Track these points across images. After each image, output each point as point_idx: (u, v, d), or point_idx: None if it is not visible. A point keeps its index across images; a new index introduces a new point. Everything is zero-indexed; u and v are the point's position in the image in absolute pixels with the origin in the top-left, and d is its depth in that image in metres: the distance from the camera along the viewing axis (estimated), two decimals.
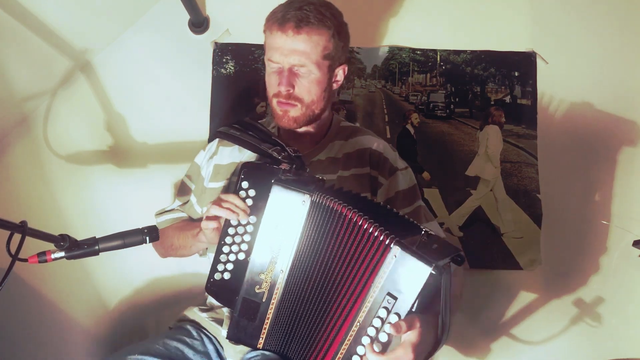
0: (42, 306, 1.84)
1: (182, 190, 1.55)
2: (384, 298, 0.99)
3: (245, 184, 1.15)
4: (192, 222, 1.48)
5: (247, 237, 1.16)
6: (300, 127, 1.39)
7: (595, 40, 1.93)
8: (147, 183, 1.83)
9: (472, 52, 1.92)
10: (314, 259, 1.09)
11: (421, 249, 1.01)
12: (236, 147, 1.44)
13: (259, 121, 1.47)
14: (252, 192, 1.15)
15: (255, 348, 1.17)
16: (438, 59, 1.93)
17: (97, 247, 1.10)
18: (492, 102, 1.92)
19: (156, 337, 1.32)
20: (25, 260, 1.02)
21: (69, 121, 1.86)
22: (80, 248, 1.09)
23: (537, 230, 1.87)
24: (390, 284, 0.99)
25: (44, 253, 1.07)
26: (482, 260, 1.86)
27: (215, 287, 1.17)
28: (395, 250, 0.99)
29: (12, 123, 1.83)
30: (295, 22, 1.27)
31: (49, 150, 1.84)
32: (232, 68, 1.88)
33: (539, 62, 1.92)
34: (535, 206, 1.87)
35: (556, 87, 1.92)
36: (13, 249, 0.98)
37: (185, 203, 1.53)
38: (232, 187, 1.23)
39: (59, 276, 1.83)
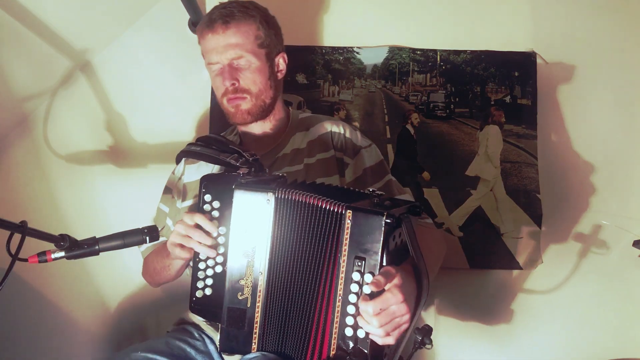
0: (42, 306, 1.84)
1: (158, 216, 1.55)
2: (353, 263, 1.00)
3: (208, 197, 1.15)
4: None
5: (220, 249, 1.15)
6: (256, 119, 1.40)
7: (595, 40, 1.93)
8: (147, 183, 1.83)
9: (472, 52, 1.92)
10: (290, 253, 1.10)
11: (374, 206, 1.03)
12: (202, 162, 1.45)
13: (221, 134, 1.50)
14: (216, 204, 1.15)
15: (249, 353, 1.17)
16: (438, 59, 1.93)
17: (97, 247, 1.10)
18: (492, 102, 1.92)
19: (158, 338, 1.32)
20: (25, 260, 1.02)
21: (69, 121, 1.86)
22: (80, 248, 1.09)
23: (537, 230, 1.87)
24: (354, 247, 1.00)
25: (44, 253, 1.07)
26: (482, 260, 1.86)
27: (199, 305, 1.17)
28: (348, 214, 1.01)
29: (12, 123, 1.83)
30: (222, 19, 1.33)
31: (49, 150, 1.85)
32: None
33: (539, 62, 1.92)
34: (535, 206, 1.87)
35: (556, 87, 1.92)
36: (13, 249, 0.98)
37: (162, 228, 1.52)
38: (196, 203, 1.23)
39: (59, 276, 1.83)
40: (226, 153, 1.32)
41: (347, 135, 1.45)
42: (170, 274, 1.36)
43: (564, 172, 1.91)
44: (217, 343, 1.33)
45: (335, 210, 1.03)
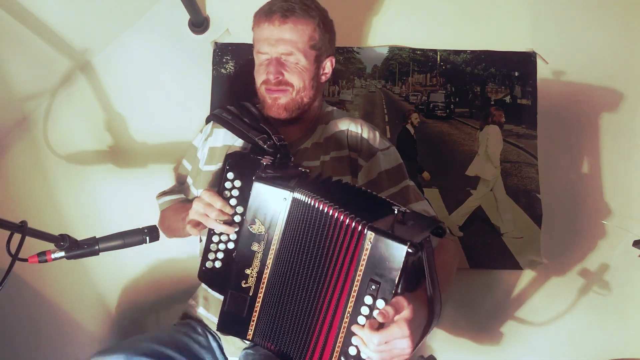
0: (42, 306, 1.84)
1: (180, 170, 1.59)
2: (367, 285, 0.99)
3: (230, 175, 1.17)
4: (186, 204, 1.48)
5: (236, 228, 1.17)
6: (290, 115, 1.40)
7: (595, 40, 1.93)
8: (147, 183, 1.83)
9: (472, 52, 1.92)
10: (297, 254, 1.10)
11: (397, 229, 1.01)
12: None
13: (255, 105, 1.49)
14: (237, 183, 1.17)
15: (245, 339, 1.18)
16: (438, 59, 1.93)
17: (97, 247, 1.10)
18: (492, 102, 1.92)
19: (163, 330, 1.34)
20: (25, 260, 1.02)
21: (69, 121, 1.86)
22: (80, 248, 1.09)
23: (537, 230, 1.87)
24: (371, 269, 0.99)
25: (44, 253, 1.07)
26: (482, 260, 1.86)
27: (207, 275, 1.21)
28: (370, 235, 0.99)
29: (12, 123, 1.83)
30: (281, 13, 1.32)
31: (49, 150, 1.84)
32: (232, 68, 1.88)
33: (539, 62, 1.92)
34: (535, 206, 1.88)
35: (556, 87, 1.92)
36: (13, 249, 0.98)
37: (182, 184, 1.56)
38: (218, 177, 1.25)
39: (59, 276, 1.83)
40: (256, 131, 1.32)
41: (364, 135, 1.44)
42: (183, 235, 1.41)
43: (564, 172, 1.91)
44: (221, 338, 1.35)
45: (355, 227, 1.02)
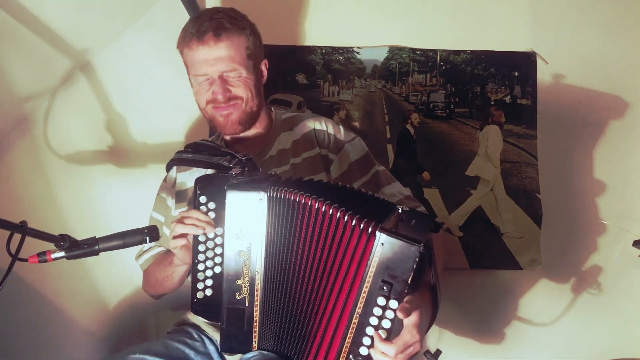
0: (42, 306, 1.84)
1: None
2: (379, 286, 1.00)
3: (203, 199, 1.16)
4: (168, 255, 1.44)
5: (218, 250, 1.16)
6: (245, 129, 1.40)
7: (596, 40, 1.93)
8: (147, 183, 1.83)
9: (472, 52, 1.92)
10: (286, 253, 1.10)
11: (402, 228, 1.03)
12: (194, 169, 1.44)
13: (207, 139, 1.49)
14: (211, 205, 1.16)
15: (250, 352, 1.17)
16: (438, 59, 1.93)
17: (97, 247, 1.10)
18: (492, 102, 1.92)
19: (156, 340, 1.32)
20: (25, 260, 1.02)
21: (69, 121, 1.86)
22: (80, 248, 1.09)
23: (537, 230, 1.87)
24: (382, 270, 0.99)
25: (44, 253, 1.07)
26: (482, 260, 1.86)
27: (200, 306, 1.18)
28: (380, 237, 0.99)
29: (12, 123, 1.83)
30: (213, 31, 1.31)
31: (49, 150, 1.84)
32: None
33: (539, 62, 1.92)
34: (535, 206, 1.87)
35: (556, 87, 1.92)
36: (13, 249, 0.98)
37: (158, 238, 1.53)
38: (192, 204, 1.24)
39: (59, 276, 1.83)
40: (218, 156, 1.32)
41: (330, 131, 1.46)
42: (173, 282, 1.36)
43: (564, 172, 1.91)
44: (218, 343, 1.34)
45: (363, 228, 1.02)
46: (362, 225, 1.02)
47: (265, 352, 1.17)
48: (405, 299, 0.99)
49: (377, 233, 1.00)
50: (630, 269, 1.88)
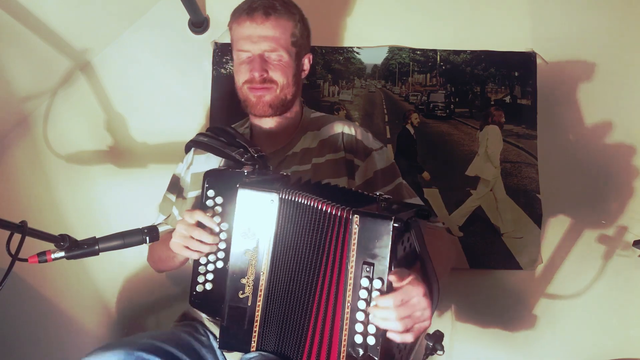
0: (42, 306, 1.84)
1: (164, 203, 1.55)
2: (362, 269, 0.99)
3: (211, 192, 1.16)
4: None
5: (222, 245, 1.15)
6: (275, 113, 1.40)
7: (595, 40, 1.93)
8: (147, 183, 1.83)
9: (472, 52, 1.92)
10: (292, 254, 1.10)
11: (379, 210, 1.02)
12: (210, 154, 1.43)
13: (233, 125, 1.49)
14: (219, 199, 1.15)
15: (248, 352, 1.16)
16: (438, 59, 1.93)
17: (97, 247, 1.10)
18: (492, 102, 1.92)
19: (164, 330, 1.33)
20: (25, 260, 1.02)
21: (69, 121, 1.86)
22: (80, 248, 1.09)
23: (537, 230, 1.87)
24: (362, 252, 0.99)
25: (44, 253, 1.07)
26: (482, 260, 1.86)
27: (199, 299, 1.17)
28: (355, 219, 0.99)
29: (12, 123, 1.83)
30: (263, 10, 1.32)
31: (49, 150, 1.85)
32: (232, 68, 1.88)
33: (539, 62, 1.92)
34: (535, 206, 1.87)
35: (556, 87, 1.92)
36: (13, 249, 0.98)
37: (168, 216, 1.53)
38: (199, 198, 1.23)
39: (59, 276, 1.83)
40: (233, 147, 1.31)
41: (359, 137, 1.44)
42: (174, 263, 1.37)
43: (564, 172, 1.91)
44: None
45: (342, 215, 1.02)
46: (339, 212, 1.02)
47: (265, 354, 1.17)
48: (394, 271, 0.96)
49: (352, 216, 1.00)
50: (630, 269, 1.88)
